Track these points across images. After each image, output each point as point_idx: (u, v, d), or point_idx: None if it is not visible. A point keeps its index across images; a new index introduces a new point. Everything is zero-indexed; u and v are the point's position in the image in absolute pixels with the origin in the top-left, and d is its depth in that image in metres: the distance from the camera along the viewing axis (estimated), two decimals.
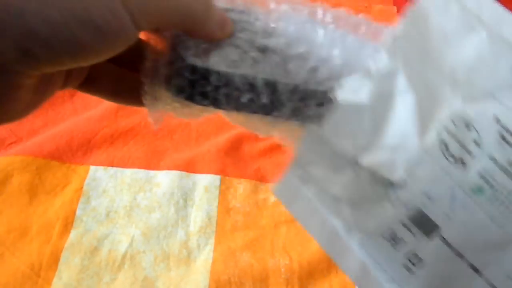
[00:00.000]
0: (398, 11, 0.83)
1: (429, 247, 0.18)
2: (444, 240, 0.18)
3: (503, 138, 0.17)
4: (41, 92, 0.20)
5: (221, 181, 0.57)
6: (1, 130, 0.61)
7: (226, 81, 0.20)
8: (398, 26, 0.19)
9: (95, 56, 0.18)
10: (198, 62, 0.20)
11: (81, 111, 0.65)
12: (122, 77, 0.24)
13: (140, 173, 0.57)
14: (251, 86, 0.20)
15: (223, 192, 0.56)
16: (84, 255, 0.50)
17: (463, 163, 0.17)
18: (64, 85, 0.23)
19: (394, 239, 0.19)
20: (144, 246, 0.51)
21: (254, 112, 0.21)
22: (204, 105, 0.20)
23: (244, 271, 0.49)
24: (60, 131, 0.60)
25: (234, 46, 0.20)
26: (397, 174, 0.19)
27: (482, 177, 0.17)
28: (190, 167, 0.58)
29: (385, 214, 0.19)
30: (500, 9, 0.18)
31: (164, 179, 0.56)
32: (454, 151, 0.18)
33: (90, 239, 0.51)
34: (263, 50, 0.20)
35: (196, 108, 0.21)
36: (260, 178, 0.58)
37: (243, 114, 0.21)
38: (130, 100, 0.24)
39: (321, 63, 0.20)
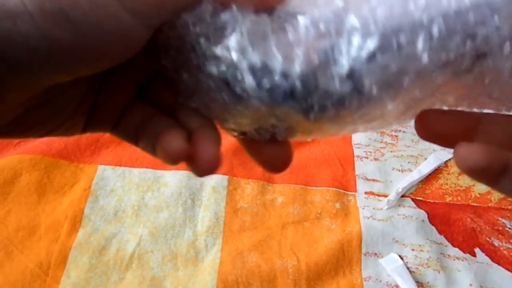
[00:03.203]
0: None
1: None
2: None
3: None
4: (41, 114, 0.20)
5: (229, 181, 0.57)
6: None
7: None
8: None
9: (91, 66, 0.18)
10: None
11: None
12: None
13: (148, 172, 0.57)
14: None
15: (231, 192, 0.56)
16: (92, 254, 0.50)
17: None
18: (87, 127, 0.22)
19: None
20: (152, 246, 0.51)
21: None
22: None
23: (252, 272, 0.49)
24: None
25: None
26: None
27: None
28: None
29: None
30: None
31: (172, 179, 0.56)
32: None
33: (98, 238, 0.51)
34: None
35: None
36: (268, 178, 0.58)
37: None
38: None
39: None
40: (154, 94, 0.23)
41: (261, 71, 0.17)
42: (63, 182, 0.56)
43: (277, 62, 0.17)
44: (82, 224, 0.52)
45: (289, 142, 0.21)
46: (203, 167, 0.19)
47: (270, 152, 0.21)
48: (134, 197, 0.55)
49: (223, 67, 0.18)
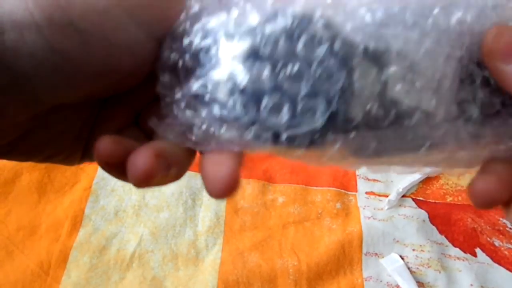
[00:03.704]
0: None
1: None
2: None
3: None
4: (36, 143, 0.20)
5: None
6: None
7: None
8: None
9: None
10: None
11: None
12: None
13: None
14: None
15: None
16: (93, 254, 0.50)
17: None
18: (85, 156, 0.22)
19: None
20: (152, 246, 0.51)
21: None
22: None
23: (253, 272, 0.49)
24: None
25: None
26: None
27: None
28: (198, 167, 0.57)
29: None
30: None
31: None
32: None
33: (99, 238, 0.51)
34: None
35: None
36: (268, 178, 0.58)
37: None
38: None
39: None
40: (143, 119, 0.22)
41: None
42: (63, 182, 0.56)
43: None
44: (82, 224, 0.52)
45: (238, 163, 0.19)
46: (130, 175, 0.17)
47: (210, 165, 0.18)
48: (134, 196, 0.55)
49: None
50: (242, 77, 0.17)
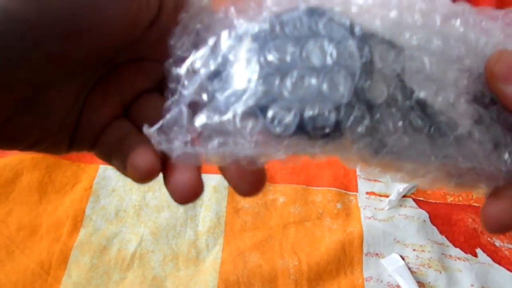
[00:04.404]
0: None
1: None
2: None
3: None
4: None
5: None
6: None
7: None
8: None
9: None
10: None
11: None
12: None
13: None
14: None
15: (232, 192, 0.56)
16: (94, 254, 0.50)
17: None
18: (72, 146, 0.21)
19: None
20: (153, 246, 0.51)
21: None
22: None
23: (253, 272, 0.49)
24: None
25: None
26: None
27: None
28: None
29: None
30: None
31: None
32: None
33: (99, 238, 0.51)
34: None
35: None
36: (269, 178, 0.58)
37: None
38: None
39: None
40: (138, 113, 0.22)
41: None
42: (64, 182, 0.56)
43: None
44: (83, 223, 0.52)
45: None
46: (178, 192, 0.18)
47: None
48: (135, 197, 0.55)
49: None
50: (263, 54, 0.17)
